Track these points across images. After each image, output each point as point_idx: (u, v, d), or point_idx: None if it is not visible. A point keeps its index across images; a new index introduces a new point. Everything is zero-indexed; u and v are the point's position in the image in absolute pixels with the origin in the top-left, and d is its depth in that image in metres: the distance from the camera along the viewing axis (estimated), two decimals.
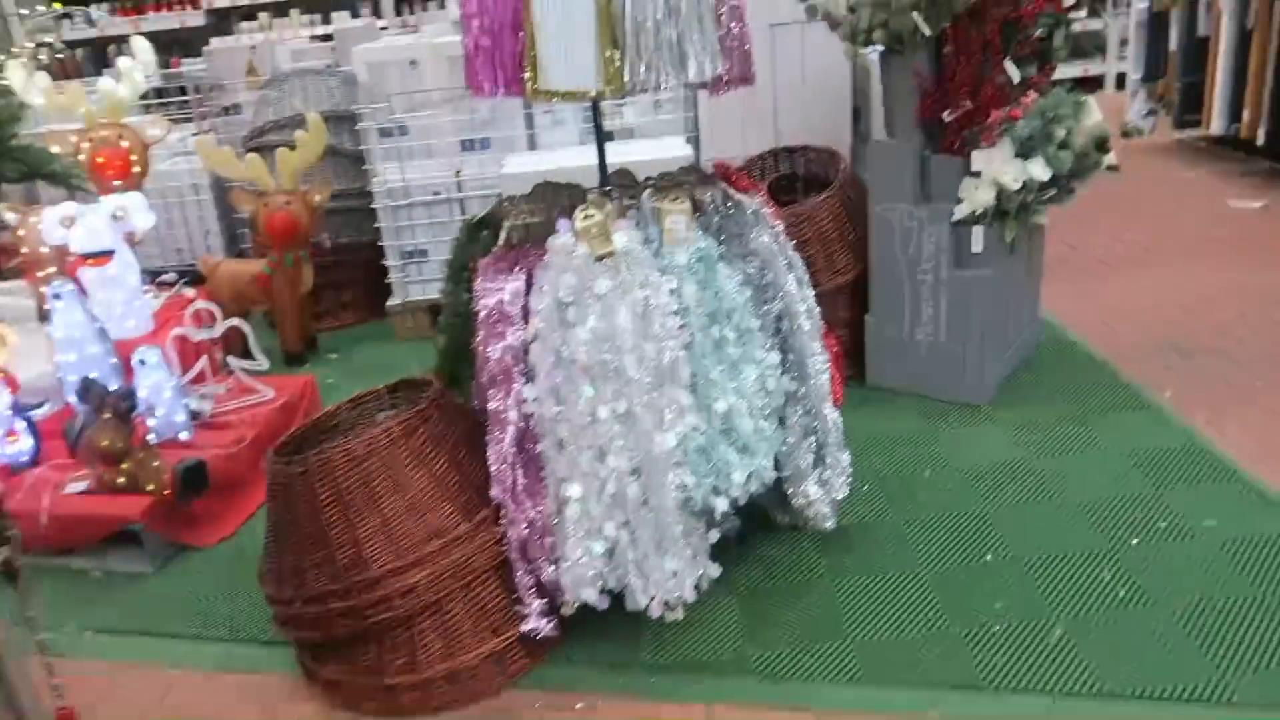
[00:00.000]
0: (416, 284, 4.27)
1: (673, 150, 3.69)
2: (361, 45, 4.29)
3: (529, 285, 2.13)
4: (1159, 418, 2.91)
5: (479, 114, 4.05)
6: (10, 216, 3.64)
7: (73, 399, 3.03)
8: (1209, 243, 4.38)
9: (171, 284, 4.51)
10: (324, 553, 2.07)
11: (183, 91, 4.83)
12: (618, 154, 3.49)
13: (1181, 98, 5.62)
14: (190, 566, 2.80)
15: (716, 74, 2.03)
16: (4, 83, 3.76)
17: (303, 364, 4.15)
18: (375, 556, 2.04)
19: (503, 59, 2.09)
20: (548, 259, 2.08)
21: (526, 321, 2.10)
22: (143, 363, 3.03)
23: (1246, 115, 5.13)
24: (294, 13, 7.81)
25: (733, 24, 2.11)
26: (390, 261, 4.23)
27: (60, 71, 7.83)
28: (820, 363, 2.24)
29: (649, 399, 1.98)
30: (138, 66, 3.69)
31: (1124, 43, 7.32)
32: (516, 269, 2.14)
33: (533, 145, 4.05)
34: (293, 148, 3.98)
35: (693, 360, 2.05)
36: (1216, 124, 5.37)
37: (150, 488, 2.77)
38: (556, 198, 2.28)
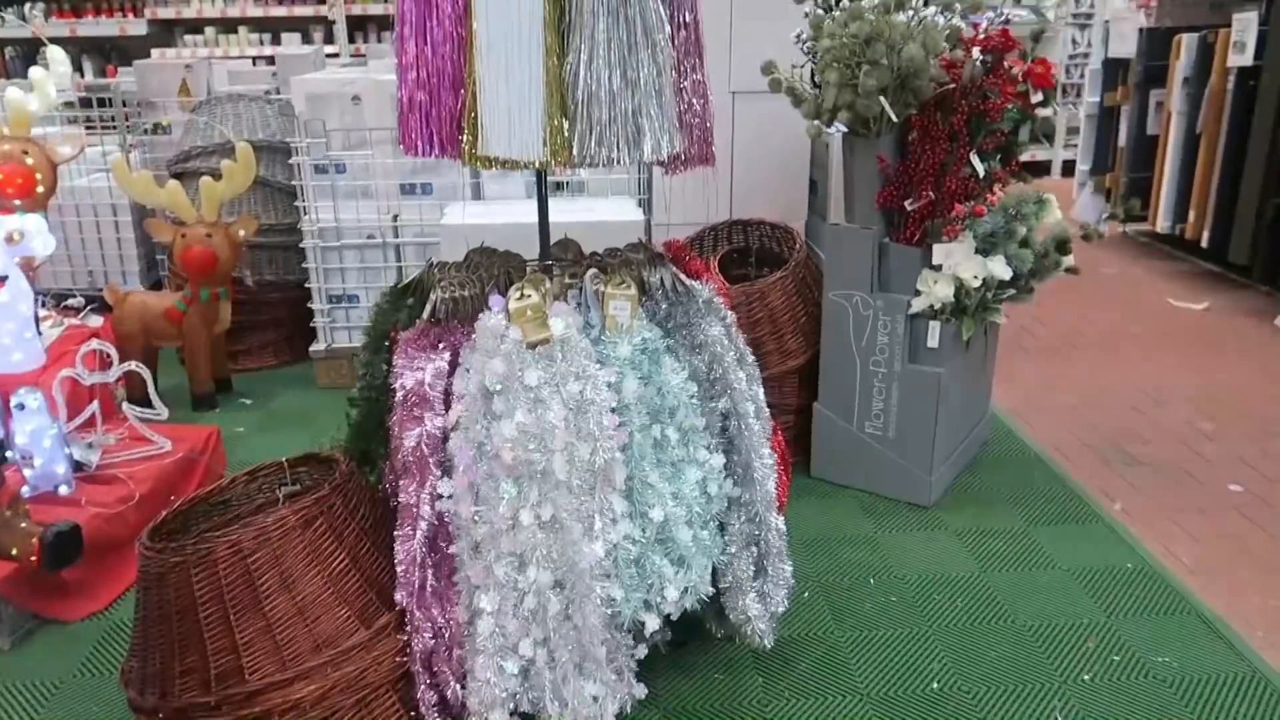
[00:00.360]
0: (343, 330, 4.02)
1: (623, 213, 3.53)
2: (302, 75, 4.07)
3: (453, 366, 1.92)
4: (1109, 533, 2.80)
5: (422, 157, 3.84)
6: None
7: None
8: (1158, 338, 4.36)
9: (77, 310, 4.20)
10: (197, 657, 1.82)
11: (109, 104, 4.54)
12: (564, 212, 3.36)
13: (1127, 193, 5.67)
14: (49, 644, 2.49)
15: (673, 152, 1.87)
16: None
17: (212, 408, 3.86)
18: (256, 665, 1.79)
19: (439, 117, 1.91)
20: (476, 339, 1.88)
21: (448, 407, 1.89)
22: (22, 406, 2.73)
23: (1192, 216, 5.18)
24: (242, 30, 7.55)
25: (695, 99, 1.95)
26: (316, 304, 3.98)
27: None
28: (768, 466, 2.06)
29: (578, 504, 1.78)
30: (51, 78, 3.41)
31: (1072, 130, 7.44)
32: (440, 346, 1.94)
33: (478, 194, 3.86)
34: (218, 177, 3.73)
35: (630, 462, 1.86)
36: (1162, 222, 5.41)
37: (14, 553, 2.47)
38: (491, 268, 2.09)
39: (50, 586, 2.55)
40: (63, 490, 2.80)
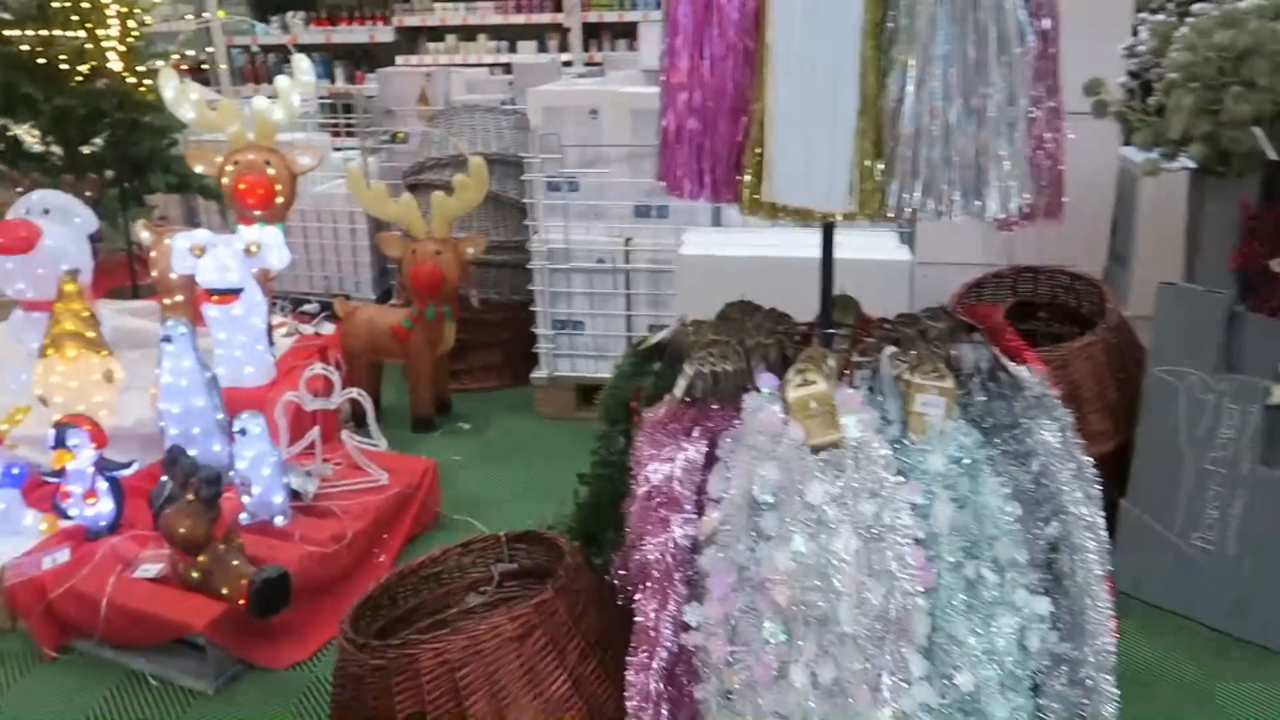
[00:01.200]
0: (566, 357, 3.78)
1: (884, 250, 3.06)
2: (538, 86, 3.86)
3: (709, 459, 1.55)
4: None
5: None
6: (145, 236, 3.36)
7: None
8: None
9: (312, 315, 4.21)
10: None
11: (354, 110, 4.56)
12: (805, 246, 2.91)
13: None
14: (253, 692, 2.34)
15: (1024, 206, 1.41)
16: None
17: (431, 430, 3.73)
18: None
19: (714, 150, 1.54)
20: (741, 430, 1.51)
21: (701, 511, 1.52)
22: (244, 432, 2.62)
23: None
24: (481, 38, 7.61)
25: (1048, 134, 1.49)
26: (540, 329, 3.76)
27: (250, 74, 7.89)
28: (1104, 615, 1.57)
29: (866, 661, 1.37)
30: (295, 87, 3.36)
31: None
32: (695, 433, 1.57)
33: (717, 220, 3.51)
34: (450, 190, 3.57)
35: (934, 610, 1.43)
36: None
37: (224, 591, 2.34)
38: (756, 331, 1.71)
39: (257, 630, 2.40)
40: (278, 521, 2.68)
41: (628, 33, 7.33)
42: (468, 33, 7.62)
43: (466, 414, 3.89)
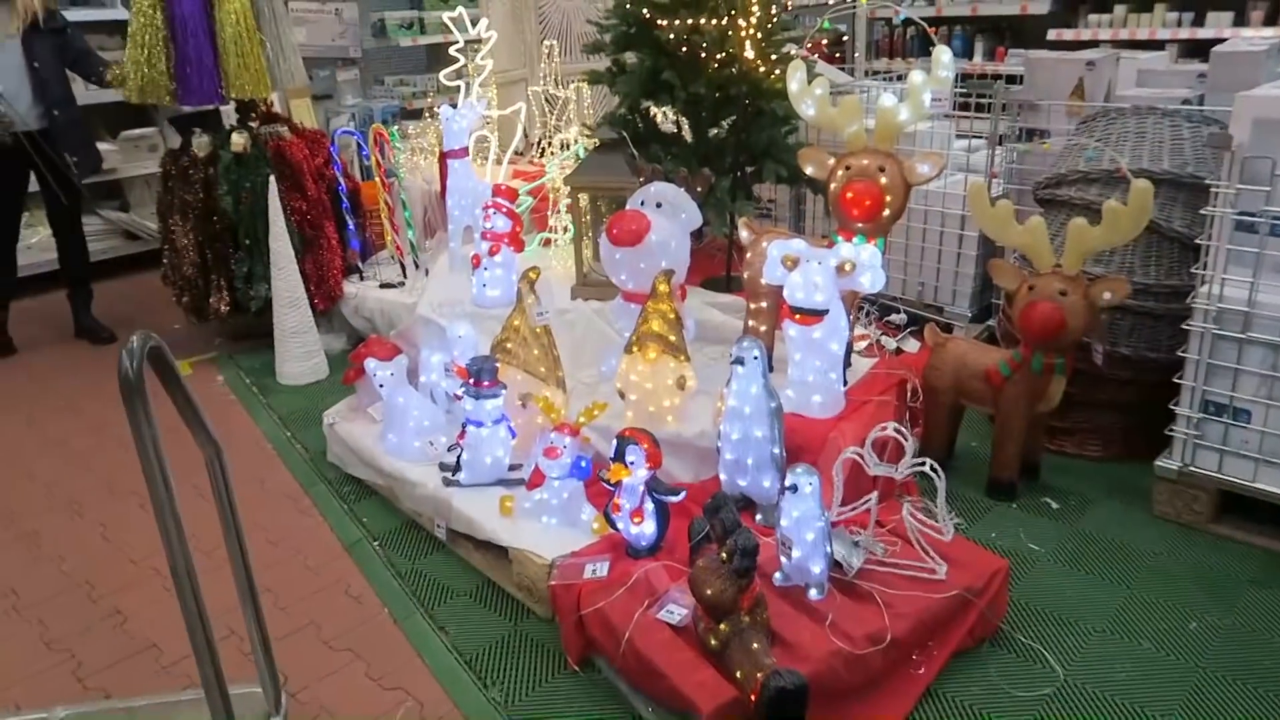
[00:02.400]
0: (1211, 451, 2.84)
1: None
2: (1248, 87, 2.86)
3: None
4: None
5: None
6: (745, 235, 3.20)
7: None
8: None
9: (898, 328, 3.80)
10: None
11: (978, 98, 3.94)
12: None
13: None
14: None
15: None
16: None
17: (1012, 499, 3.10)
18: None
19: None
20: None
21: None
22: (794, 489, 2.30)
23: None
24: (1159, 7, 6.34)
25: None
26: (1183, 407, 2.86)
27: (886, 47, 7.63)
28: None
29: None
30: (930, 84, 2.88)
31: None
32: None
33: None
34: (1093, 213, 2.83)
35: None
36: None
37: (738, 675, 2.06)
38: None
39: None
40: (813, 595, 2.34)
41: None
42: (1144, 1, 6.41)
43: (1058, 487, 3.17)
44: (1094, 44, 6.34)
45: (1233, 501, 2.88)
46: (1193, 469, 2.88)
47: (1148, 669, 2.33)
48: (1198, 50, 5.88)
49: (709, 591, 2.11)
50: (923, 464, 2.39)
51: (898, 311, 3.97)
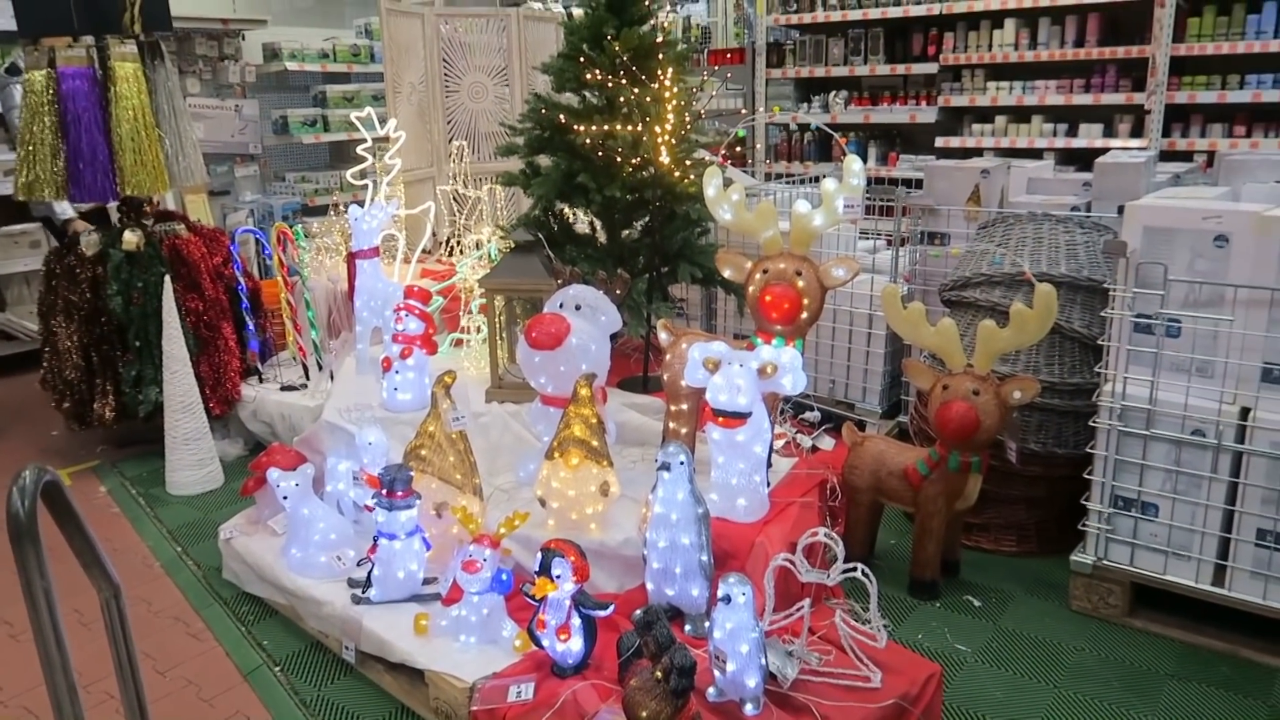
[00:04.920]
0: (1123, 545, 2.91)
1: None
2: (1134, 197, 3.04)
3: None
4: None
5: None
6: (664, 336, 3.18)
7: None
8: None
9: (813, 426, 3.81)
10: None
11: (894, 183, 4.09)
12: None
13: None
14: None
15: None
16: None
17: (934, 598, 3.10)
18: None
19: None
20: None
21: None
22: (728, 599, 2.23)
23: None
24: (1036, 120, 6.78)
25: None
26: (1094, 503, 2.94)
27: (784, 151, 7.92)
28: None
29: None
30: (842, 192, 2.96)
31: None
32: None
33: None
34: (999, 314, 2.93)
35: None
36: None
37: None
38: None
39: None
40: (749, 710, 2.25)
41: (1223, 116, 6.03)
42: (1021, 114, 6.85)
43: (977, 584, 3.19)
44: (978, 151, 6.71)
45: (1146, 595, 2.94)
46: (1106, 563, 2.94)
47: None
48: (1072, 159, 6.30)
49: (644, 714, 2.01)
50: (854, 569, 2.36)
51: (811, 409, 4.00)
